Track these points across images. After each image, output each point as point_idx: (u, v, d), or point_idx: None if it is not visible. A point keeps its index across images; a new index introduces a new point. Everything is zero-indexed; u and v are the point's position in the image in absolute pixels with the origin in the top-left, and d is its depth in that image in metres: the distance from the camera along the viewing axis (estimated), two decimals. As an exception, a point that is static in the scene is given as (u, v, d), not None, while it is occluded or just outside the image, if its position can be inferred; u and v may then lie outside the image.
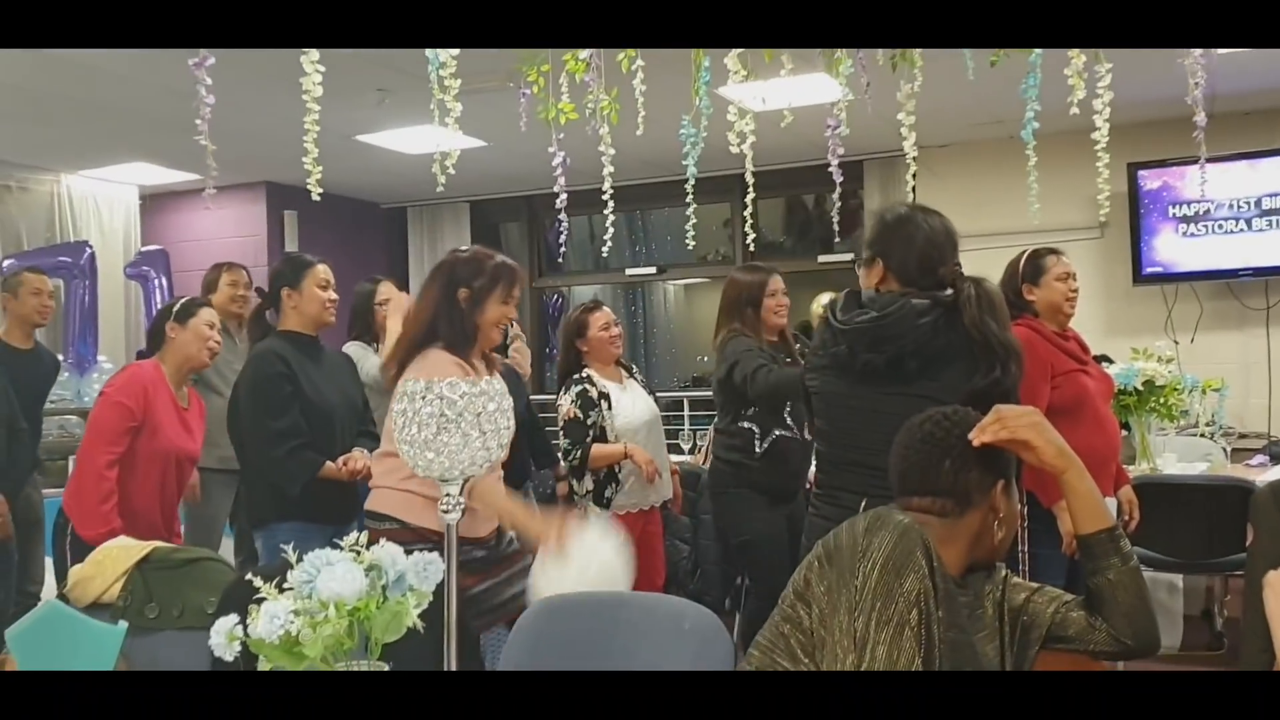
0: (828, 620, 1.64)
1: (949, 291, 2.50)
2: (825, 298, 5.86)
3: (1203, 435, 5.54)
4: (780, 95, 3.85)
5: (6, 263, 6.70)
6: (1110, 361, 4.78)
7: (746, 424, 3.86)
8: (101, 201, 7.59)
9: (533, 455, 4.42)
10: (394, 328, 4.04)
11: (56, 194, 7.37)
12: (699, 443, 6.10)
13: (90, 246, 6.84)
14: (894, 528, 1.66)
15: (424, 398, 1.26)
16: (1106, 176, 3.38)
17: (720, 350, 3.93)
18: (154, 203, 7.97)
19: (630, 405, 4.14)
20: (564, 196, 3.85)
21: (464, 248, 2.94)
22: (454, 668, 1.33)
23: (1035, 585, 1.85)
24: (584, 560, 2.50)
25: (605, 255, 8.18)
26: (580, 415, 4.01)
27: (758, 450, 3.85)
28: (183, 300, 3.64)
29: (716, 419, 4.13)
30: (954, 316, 2.46)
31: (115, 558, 2.75)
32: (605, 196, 3.75)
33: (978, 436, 1.78)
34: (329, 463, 3.35)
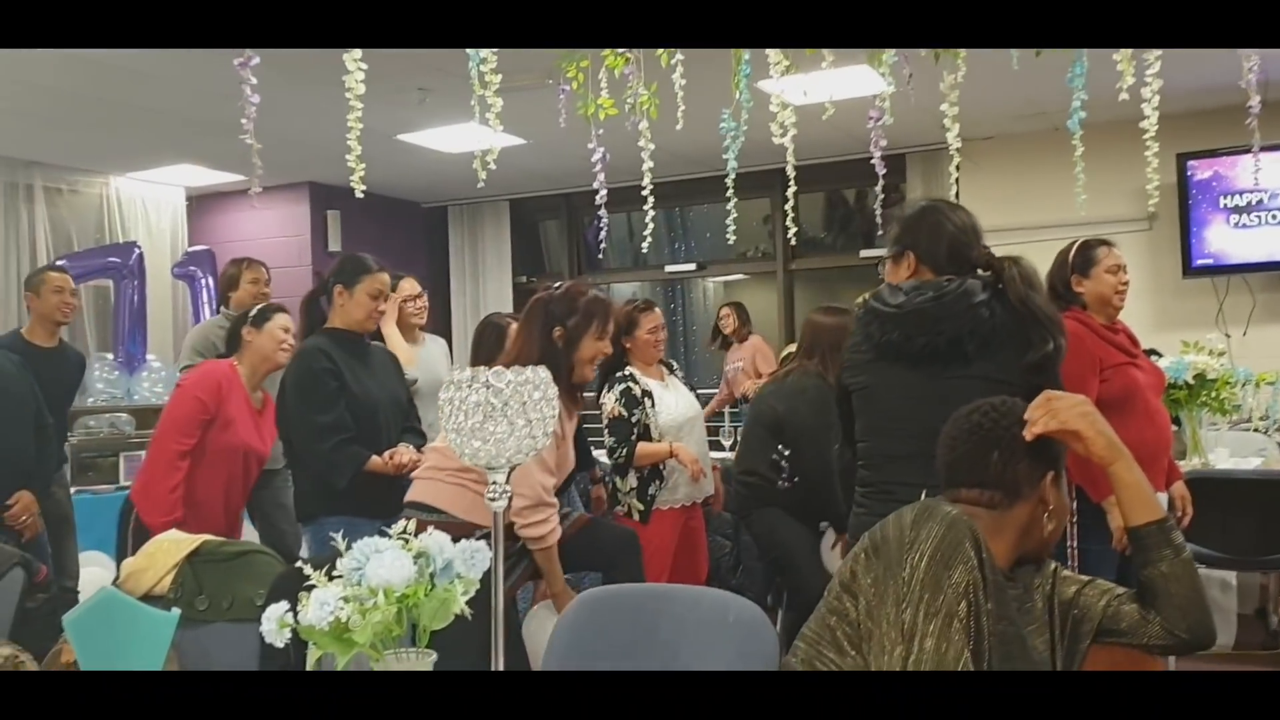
0: (875, 612, 1.63)
1: (988, 273, 2.51)
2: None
3: (1256, 430, 5.44)
4: (821, 88, 3.83)
5: (59, 263, 6.80)
6: (1160, 355, 4.71)
7: (775, 456, 3.90)
8: (149, 203, 7.70)
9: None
10: (389, 333, 4.11)
11: (106, 196, 7.48)
12: (739, 439, 6.07)
13: (139, 247, 6.94)
14: (942, 519, 1.65)
15: (470, 385, 1.26)
16: (1155, 166, 3.33)
17: (785, 377, 3.96)
18: (200, 204, 8.07)
19: (673, 403, 4.15)
20: (603, 193, 3.85)
21: (557, 284, 3.04)
22: (501, 657, 1.34)
23: (1086, 578, 1.82)
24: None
25: (645, 252, 8.19)
26: (625, 413, 4.02)
27: (781, 483, 3.89)
28: (259, 305, 3.74)
29: (743, 433, 4.14)
30: (1000, 296, 2.47)
31: (166, 550, 2.78)
32: (645, 192, 3.75)
33: (1028, 428, 1.76)
34: (375, 457, 3.37)
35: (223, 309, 4.89)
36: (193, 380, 3.57)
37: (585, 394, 3.19)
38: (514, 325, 4.59)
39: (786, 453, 3.90)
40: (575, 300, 2.92)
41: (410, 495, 2.94)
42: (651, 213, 3.78)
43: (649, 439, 4.02)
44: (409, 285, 4.54)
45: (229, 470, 3.57)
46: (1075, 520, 3.21)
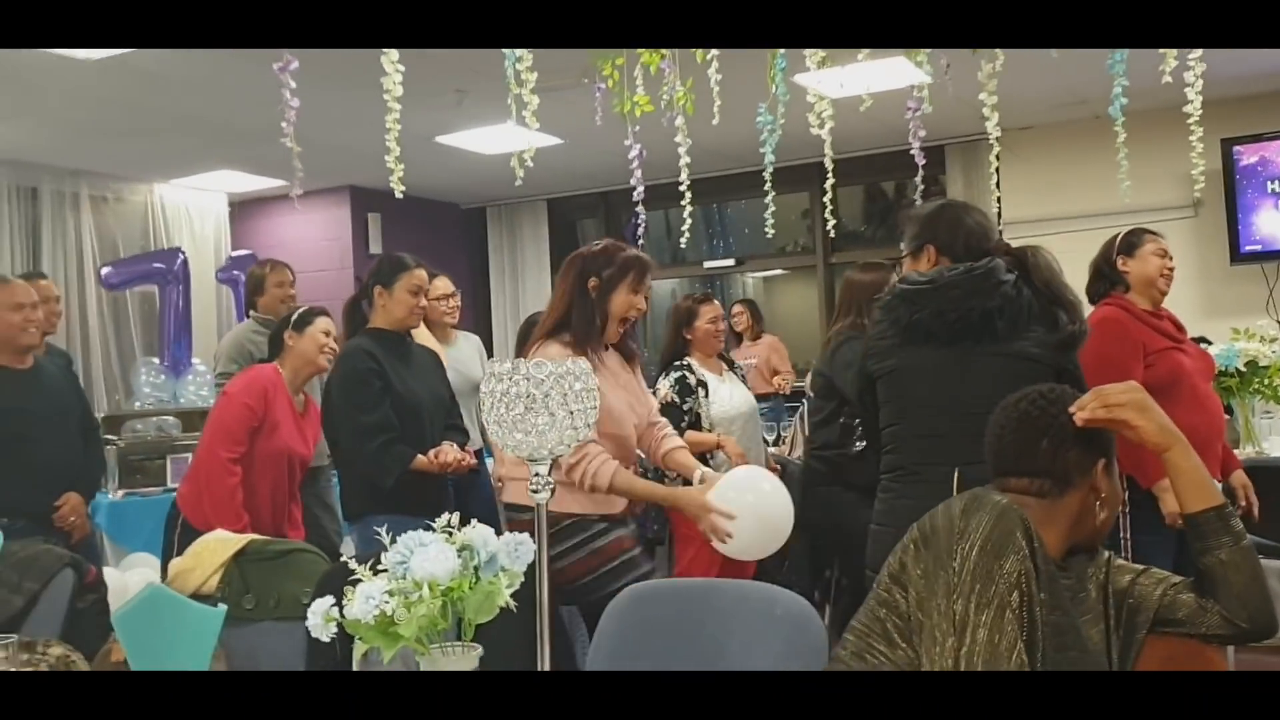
0: (925, 604, 1.61)
1: (1009, 258, 2.56)
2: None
3: (1310, 417, 5.35)
4: (858, 81, 3.80)
5: (104, 270, 6.91)
6: (1209, 343, 4.64)
7: (845, 419, 3.81)
8: (193, 210, 7.79)
9: None
10: (416, 331, 4.12)
11: (150, 204, 7.58)
12: (783, 433, 6.07)
13: (183, 253, 7.02)
14: (992, 508, 1.62)
15: (510, 378, 1.26)
16: (1200, 151, 3.28)
17: (834, 348, 3.88)
18: (242, 209, 8.16)
19: (728, 396, 4.18)
20: (641, 189, 3.85)
21: (598, 241, 3.01)
22: (548, 650, 1.33)
23: (1141, 567, 1.79)
24: (752, 507, 2.67)
25: (683, 248, 8.17)
26: (676, 400, 4.06)
27: (855, 447, 3.81)
28: (300, 309, 3.73)
29: (809, 413, 4.09)
30: (1025, 279, 2.51)
31: (213, 550, 2.81)
32: (682, 188, 3.74)
33: (1079, 418, 1.73)
34: (420, 456, 3.39)
35: (251, 313, 4.90)
36: (240, 387, 3.59)
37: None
38: (438, 278, 4.64)
39: (856, 421, 3.85)
40: (613, 255, 2.90)
41: (503, 498, 3.01)
42: (689, 209, 3.78)
43: (699, 429, 4.03)
44: (441, 284, 4.57)
45: (274, 474, 3.59)
46: (1127, 510, 3.16)
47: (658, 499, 2.93)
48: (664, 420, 3.18)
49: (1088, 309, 3.53)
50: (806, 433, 5.15)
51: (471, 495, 3.94)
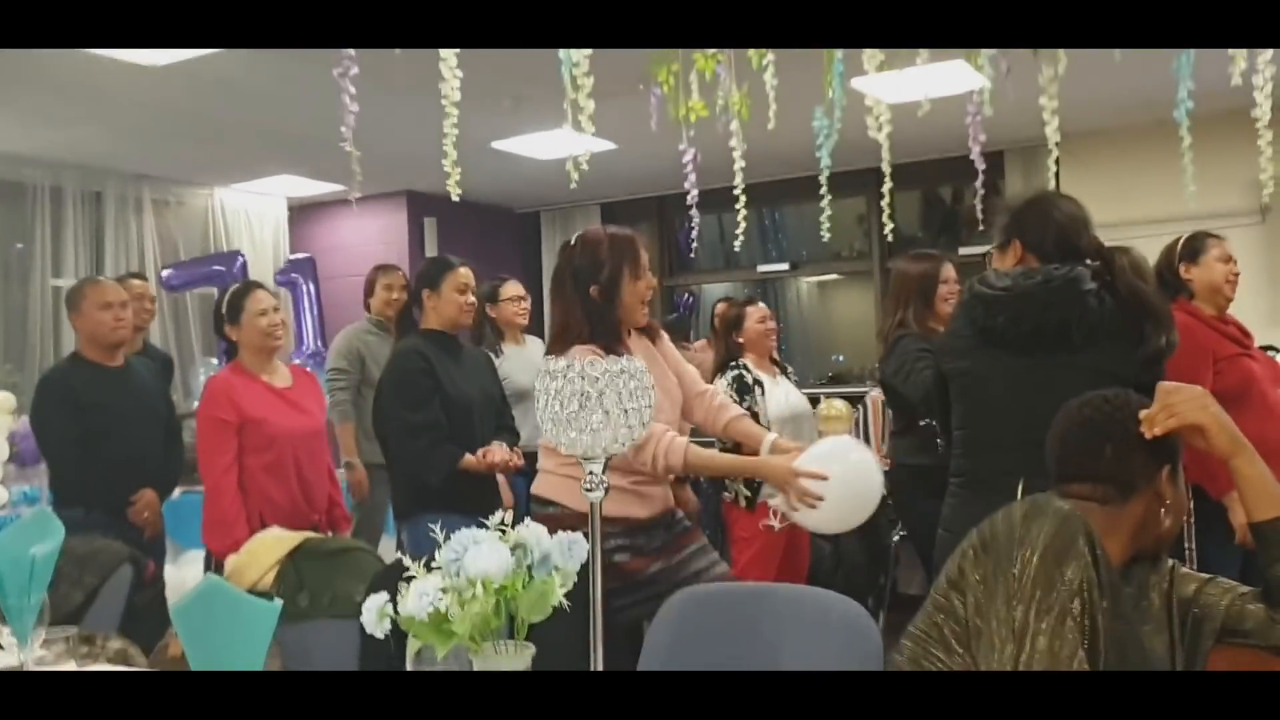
0: (984, 610, 1.58)
1: (1097, 262, 2.45)
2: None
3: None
4: (916, 85, 3.76)
5: (165, 272, 7.02)
6: (1277, 351, 4.54)
7: (924, 421, 3.73)
8: (252, 213, 7.90)
9: None
10: None
11: (211, 207, 7.69)
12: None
13: (243, 255, 7.12)
14: (1054, 514, 1.59)
15: (565, 375, 1.26)
16: (1270, 155, 3.21)
17: (888, 349, 3.82)
18: (301, 213, 8.26)
19: (783, 397, 4.18)
20: (695, 193, 3.83)
21: (572, 239, 2.83)
22: (600, 649, 1.32)
23: (1206, 576, 1.75)
24: (840, 476, 2.52)
25: (737, 250, 8.14)
26: (735, 398, 4.06)
27: (940, 446, 3.74)
28: (227, 300, 3.62)
29: (893, 422, 4.03)
30: (1109, 287, 2.41)
31: (269, 548, 2.84)
32: (737, 191, 3.73)
33: (1148, 428, 1.69)
34: (469, 455, 3.40)
35: (366, 315, 5.01)
36: (203, 403, 3.54)
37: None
38: (509, 282, 4.69)
39: (934, 424, 3.78)
40: (598, 251, 2.72)
41: (532, 489, 2.90)
42: (744, 213, 3.76)
43: None
44: (514, 288, 4.71)
45: (292, 460, 3.52)
46: (1192, 519, 3.10)
47: (739, 470, 2.82)
48: (713, 388, 3.02)
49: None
50: (877, 440, 5.10)
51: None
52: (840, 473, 2.57)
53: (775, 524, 3.82)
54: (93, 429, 3.77)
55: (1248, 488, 1.70)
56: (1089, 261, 2.47)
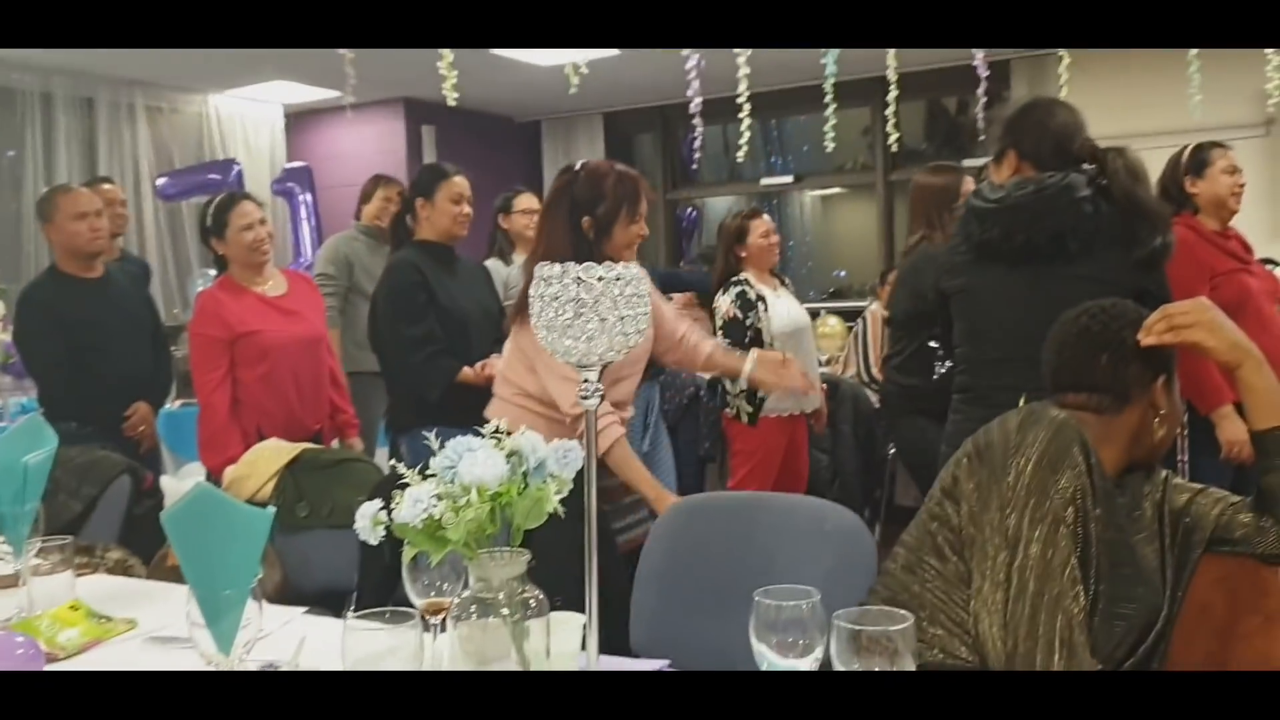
0: (978, 518, 1.59)
1: (1092, 166, 2.41)
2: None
3: (1379, 343, 5.20)
4: (923, -12, 3.68)
5: (160, 181, 6.95)
6: (1276, 264, 4.52)
7: (933, 343, 3.63)
8: (248, 121, 7.81)
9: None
10: None
11: (205, 114, 7.60)
12: (836, 354, 6.03)
13: (238, 164, 7.04)
14: (1049, 423, 1.59)
15: (560, 281, 1.24)
16: (1276, 64, 3.16)
17: (908, 265, 3.74)
18: (297, 121, 8.16)
19: (785, 311, 4.17)
20: (698, 101, 3.78)
21: (578, 164, 2.71)
22: (594, 556, 1.33)
23: (1199, 486, 1.75)
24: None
25: (740, 163, 8.06)
26: (740, 315, 4.06)
27: (938, 373, 3.72)
28: (211, 213, 3.56)
29: (891, 341, 3.98)
30: (1104, 191, 2.38)
31: (267, 459, 2.85)
32: (740, 100, 3.67)
33: (1145, 341, 1.68)
34: (466, 368, 3.39)
35: (355, 222, 4.97)
36: (193, 320, 3.53)
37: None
38: (523, 194, 4.67)
39: (937, 346, 3.75)
40: (601, 184, 2.59)
41: (486, 410, 2.84)
42: (747, 122, 3.71)
43: (760, 345, 4.01)
44: (527, 200, 4.71)
45: (289, 369, 3.50)
46: (1185, 432, 3.11)
47: (642, 486, 2.69)
48: (686, 326, 2.94)
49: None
50: (877, 354, 5.08)
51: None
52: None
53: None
54: (78, 343, 3.73)
55: (1251, 396, 1.69)
56: (1085, 166, 2.43)
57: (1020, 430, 1.60)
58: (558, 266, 1.25)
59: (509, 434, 1.33)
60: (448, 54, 3.17)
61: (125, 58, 6.48)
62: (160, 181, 6.96)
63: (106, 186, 4.65)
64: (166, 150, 7.36)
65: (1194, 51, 3.22)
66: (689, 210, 9.26)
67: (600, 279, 1.23)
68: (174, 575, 2.21)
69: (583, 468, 1.33)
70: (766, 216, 4.34)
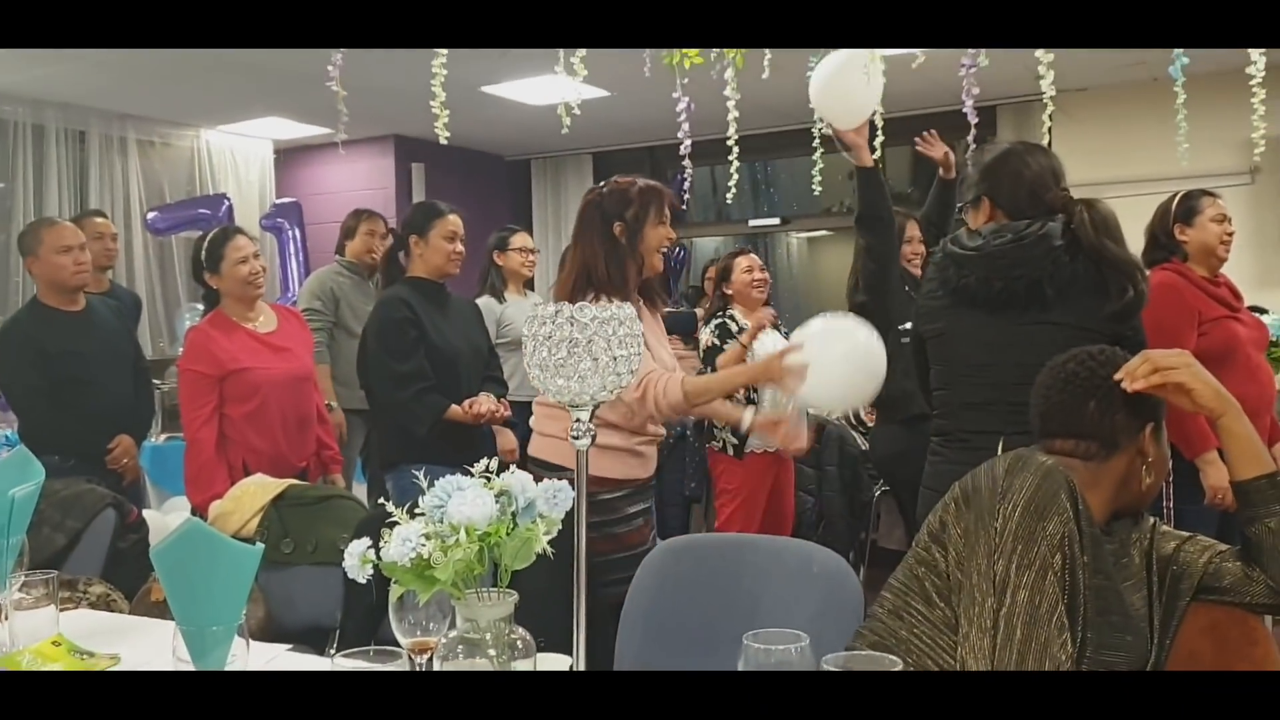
0: (965, 563, 1.59)
1: (1061, 217, 2.44)
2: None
3: (1361, 392, 5.24)
4: (912, 36, 3.72)
5: (150, 215, 6.95)
6: (1265, 312, 4.56)
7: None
8: (238, 156, 7.82)
9: None
10: None
11: (196, 149, 7.61)
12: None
13: (228, 199, 7.05)
14: (1036, 469, 1.60)
15: (554, 321, 1.24)
16: (1262, 114, 3.19)
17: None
18: (287, 157, 8.18)
19: (771, 345, 4.17)
20: (688, 143, 3.80)
21: (602, 183, 2.89)
22: (583, 598, 1.32)
23: (1186, 534, 1.75)
24: (832, 345, 2.54)
25: (729, 203, 8.10)
26: (717, 343, 4.10)
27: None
28: (205, 247, 3.57)
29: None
30: (1075, 242, 2.40)
31: (252, 494, 2.84)
32: (730, 143, 3.69)
33: (1129, 383, 1.69)
34: (455, 405, 3.39)
35: (338, 257, 4.96)
36: (184, 356, 3.53)
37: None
38: (519, 234, 4.73)
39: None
40: (627, 191, 2.78)
41: (530, 451, 2.87)
42: (736, 164, 3.73)
43: None
44: (523, 239, 4.77)
45: (276, 406, 3.48)
46: (1172, 480, 3.12)
47: (739, 381, 2.79)
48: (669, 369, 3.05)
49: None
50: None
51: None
52: (830, 344, 2.57)
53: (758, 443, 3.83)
54: (59, 376, 3.71)
55: (1234, 445, 1.70)
56: (1053, 218, 2.45)
57: (1008, 476, 1.60)
58: (551, 306, 1.26)
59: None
60: (440, 93, 3.18)
61: (118, 91, 6.51)
62: (151, 215, 6.96)
63: (98, 220, 4.66)
64: (157, 184, 7.36)
65: (1181, 98, 3.25)
66: (678, 250, 9.28)
67: (594, 318, 1.24)
68: (158, 610, 2.20)
69: (573, 508, 1.33)
70: (752, 254, 4.37)
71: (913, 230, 3.88)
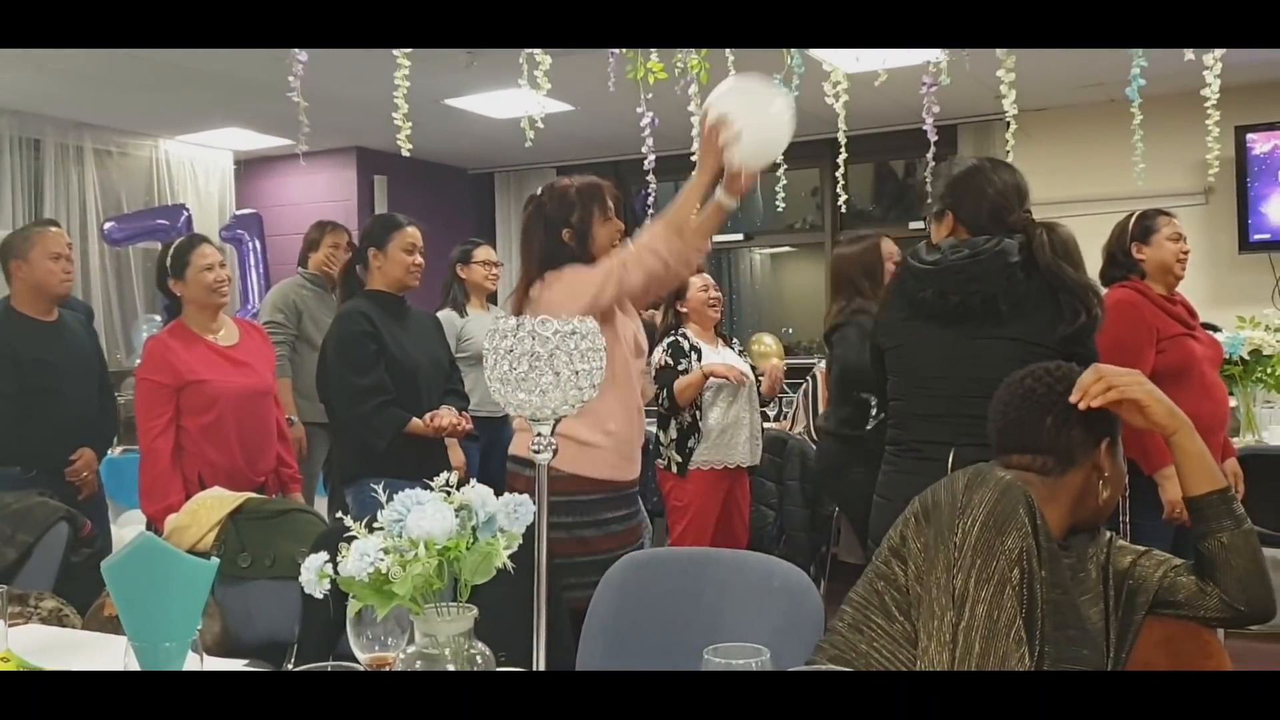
0: (924, 578, 1.60)
1: (1021, 236, 2.46)
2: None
3: (1311, 408, 5.34)
4: (874, 55, 3.76)
5: (107, 225, 6.87)
6: (1217, 330, 4.63)
7: (864, 394, 3.71)
8: (198, 166, 7.75)
9: None
10: None
11: (155, 159, 7.54)
12: (785, 410, 6.06)
13: (187, 210, 6.99)
14: (995, 484, 1.61)
15: (515, 335, 1.24)
16: (1216, 135, 3.25)
17: (836, 331, 3.81)
18: (248, 168, 8.12)
19: (726, 357, 4.20)
20: (652, 158, 3.81)
21: (538, 190, 2.82)
22: (544, 612, 1.32)
23: (1142, 549, 1.78)
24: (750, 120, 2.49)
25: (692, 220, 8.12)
26: (670, 362, 4.09)
27: (870, 424, 3.73)
28: (171, 253, 3.54)
29: (830, 396, 4.04)
30: (1032, 261, 2.42)
31: (209, 508, 2.81)
32: (693, 158, 3.70)
33: (1084, 401, 1.71)
34: (416, 419, 3.37)
35: (300, 270, 4.92)
36: (141, 366, 3.50)
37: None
38: (481, 247, 4.77)
39: (869, 397, 3.79)
40: (566, 194, 2.72)
41: (510, 449, 2.86)
42: (699, 179, 3.74)
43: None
44: (486, 252, 4.76)
45: (233, 420, 3.45)
46: (1128, 494, 3.15)
47: (698, 189, 2.64)
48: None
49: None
50: (814, 412, 5.14)
51: (494, 457, 3.96)
52: (754, 107, 2.55)
53: None
54: (29, 386, 3.67)
55: (1187, 462, 1.73)
56: (1012, 237, 2.47)
57: (967, 491, 1.62)
58: (513, 320, 1.25)
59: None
60: (402, 104, 3.17)
61: (75, 99, 6.44)
62: (108, 225, 6.88)
63: (53, 230, 4.59)
64: (115, 194, 7.28)
65: (1138, 119, 3.31)
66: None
67: (555, 332, 1.23)
68: (111, 626, 2.16)
69: (533, 522, 1.33)
70: (704, 274, 4.37)
71: (889, 247, 3.89)
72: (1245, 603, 1.68)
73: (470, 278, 4.71)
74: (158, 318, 6.83)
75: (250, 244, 7.17)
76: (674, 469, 4.12)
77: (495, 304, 4.97)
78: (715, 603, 2.04)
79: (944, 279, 2.43)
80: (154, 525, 3.22)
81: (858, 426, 3.73)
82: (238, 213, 7.60)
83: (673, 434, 4.13)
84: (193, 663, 1.30)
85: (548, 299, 2.62)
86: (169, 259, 3.52)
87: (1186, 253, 3.52)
